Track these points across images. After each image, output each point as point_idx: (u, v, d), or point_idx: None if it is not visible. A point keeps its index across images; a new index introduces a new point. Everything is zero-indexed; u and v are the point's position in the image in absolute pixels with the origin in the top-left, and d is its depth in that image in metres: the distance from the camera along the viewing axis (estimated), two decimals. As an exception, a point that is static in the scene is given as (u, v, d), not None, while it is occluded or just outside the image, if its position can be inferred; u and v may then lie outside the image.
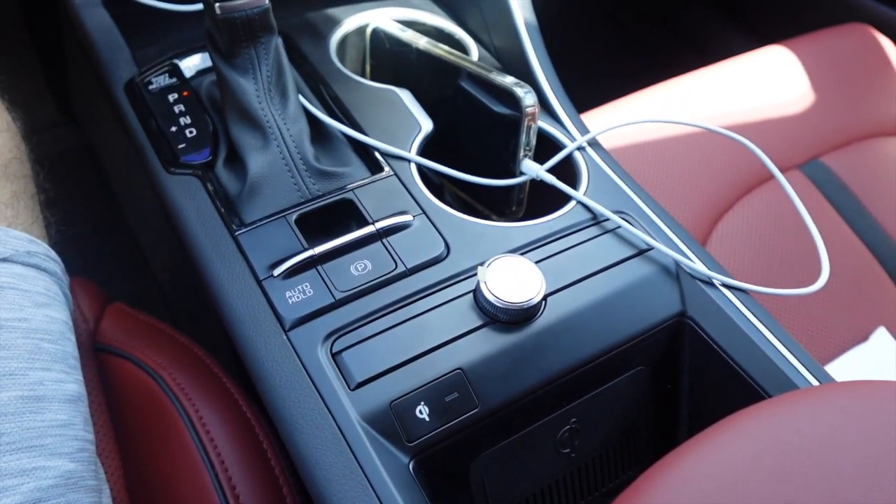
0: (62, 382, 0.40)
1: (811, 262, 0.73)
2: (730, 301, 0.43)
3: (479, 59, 0.59)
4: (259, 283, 0.41)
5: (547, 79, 0.55)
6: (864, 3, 0.96)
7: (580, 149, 0.51)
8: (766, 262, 0.72)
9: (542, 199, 0.50)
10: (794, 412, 0.30)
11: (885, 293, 0.72)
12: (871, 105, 0.85)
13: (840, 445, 0.28)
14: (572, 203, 0.47)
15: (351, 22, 0.60)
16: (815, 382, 0.39)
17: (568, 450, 0.43)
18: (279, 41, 0.47)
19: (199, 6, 0.48)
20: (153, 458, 0.46)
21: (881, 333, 0.68)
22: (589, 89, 0.85)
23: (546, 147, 0.52)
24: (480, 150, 0.52)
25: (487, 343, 0.39)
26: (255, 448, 0.45)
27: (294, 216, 0.44)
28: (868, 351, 0.67)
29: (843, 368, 0.66)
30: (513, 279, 0.40)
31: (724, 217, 0.75)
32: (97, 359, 0.52)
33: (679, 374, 0.45)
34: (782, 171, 0.80)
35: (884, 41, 0.90)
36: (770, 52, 0.86)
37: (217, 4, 0.44)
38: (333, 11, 0.61)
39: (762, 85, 0.83)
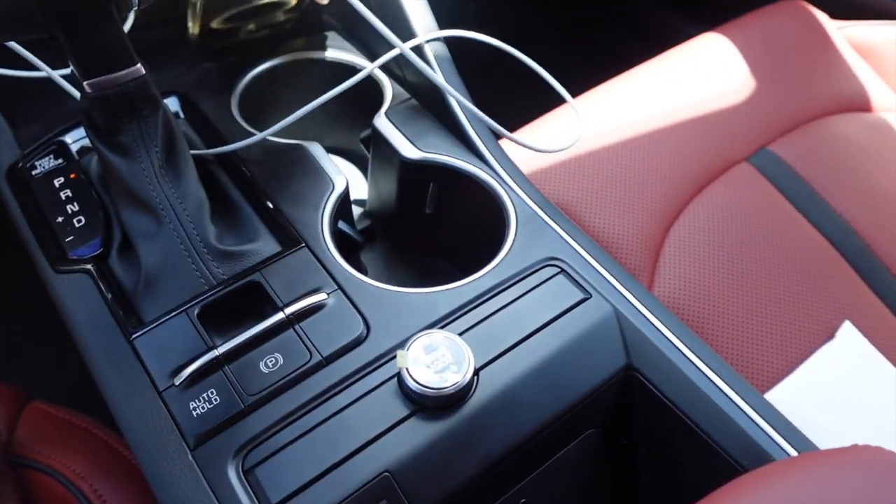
0: None
1: (766, 251, 0.71)
2: (677, 349, 0.40)
3: (394, 95, 0.55)
4: (160, 394, 0.37)
5: (463, 111, 0.51)
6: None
7: (508, 190, 0.47)
8: (723, 261, 0.69)
9: (478, 244, 0.47)
10: None
11: (845, 282, 0.70)
12: (812, 85, 0.83)
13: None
14: (500, 256, 0.43)
15: (253, 71, 0.55)
16: (774, 435, 0.36)
17: (521, 531, 0.40)
18: (167, 109, 0.43)
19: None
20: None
21: (847, 328, 0.66)
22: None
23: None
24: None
25: (416, 435, 0.35)
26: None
27: (196, 310, 0.40)
28: (836, 349, 0.64)
29: (814, 371, 0.63)
30: (437, 359, 0.36)
31: (676, 221, 0.72)
32: (15, 474, 0.48)
33: (633, 429, 0.42)
34: (731, 165, 0.77)
35: (819, 15, 0.87)
36: (707, 40, 0.83)
37: (86, 83, 0.40)
38: (236, 60, 0.56)
39: (702, 77, 0.80)
